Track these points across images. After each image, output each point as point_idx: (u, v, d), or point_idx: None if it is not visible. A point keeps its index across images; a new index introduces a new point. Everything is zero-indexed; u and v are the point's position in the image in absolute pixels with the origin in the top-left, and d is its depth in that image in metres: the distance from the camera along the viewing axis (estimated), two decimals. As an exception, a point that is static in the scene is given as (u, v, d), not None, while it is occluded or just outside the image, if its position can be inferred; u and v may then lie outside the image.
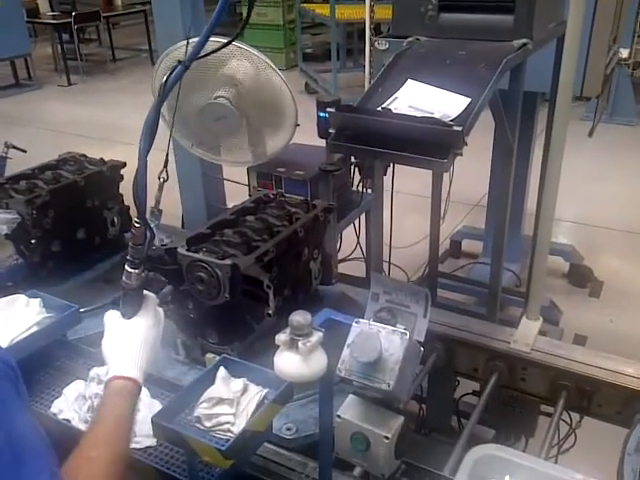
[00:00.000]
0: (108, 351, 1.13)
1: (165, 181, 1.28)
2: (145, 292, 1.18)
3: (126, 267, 1.12)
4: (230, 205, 2.38)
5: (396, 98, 1.62)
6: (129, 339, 1.13)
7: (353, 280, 2.35)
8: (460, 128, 1.38)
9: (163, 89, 1.07)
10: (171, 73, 1.07)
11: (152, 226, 1.18)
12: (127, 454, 1.05)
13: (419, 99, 1.59)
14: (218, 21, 1.06)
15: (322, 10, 6.94)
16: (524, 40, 1.76)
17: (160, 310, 1.22)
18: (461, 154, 1.41)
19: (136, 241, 1.10)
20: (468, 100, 1.55)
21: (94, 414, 1.07)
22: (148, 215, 1.21)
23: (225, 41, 1.25)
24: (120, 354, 1.12)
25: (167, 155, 1.27)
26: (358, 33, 7.84)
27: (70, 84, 8.44)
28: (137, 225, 1.09)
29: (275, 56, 7.72)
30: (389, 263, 2.87)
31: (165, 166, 1.25)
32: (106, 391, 1.09)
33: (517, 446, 1.98)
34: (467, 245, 4.03)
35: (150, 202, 1.19)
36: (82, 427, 1.36)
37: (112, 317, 1.17)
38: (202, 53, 1.11)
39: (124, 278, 1.13)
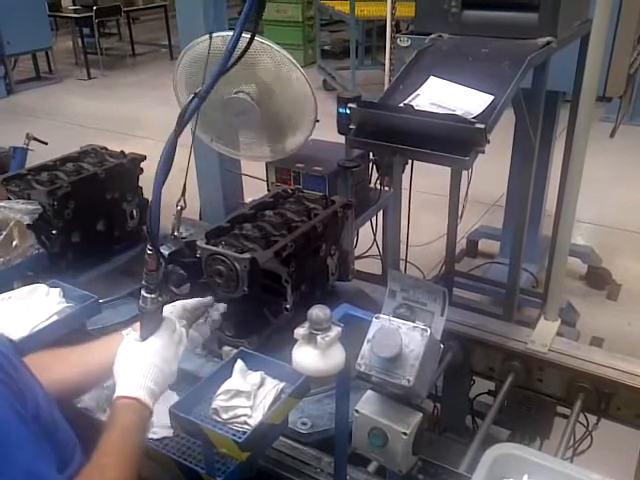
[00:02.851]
0: (117, 371, 1.14)
1: (183, 209, 1.34)
2: (164, 314, 1.20)
3: (142, 292, 1.14)
4: (247, 200, 2.39)
5: (418, 95, 1.61)
6: (138, 360, 1.14)
7: (369, 277, 2.36)
8: (483, 125, 1.37)
9: (180, 120, 1.08)
10: (188, 105, 1.08)
11: (170, 252, 1.26)
12: (138, 463, 1.07)
13: (441, 96, 1.58)
14: (235, 47, 1.07)
15: (342, 7, 6.92)
16: (548, 38, 1.75)
17: (182, 330, 1.23)
18: (483, 152, 1.40)
19: (150, 267, 1.12)
20: (491, 98, 1.54)
21: (103, 429, 1.09)
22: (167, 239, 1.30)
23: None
24: (127, 374, 1.12)
25: (185, 185, 1.31)
26: (377, 30, 7.82)
27: (90, 78, 8.50)
28: (149, 252, 1.11)
29: (293, 53, 7.64)
30: (405, 261, 2.86)
31: (183, 194, 1.30)
32: (111, 408, 1.11)
33: (532, 447, 1.96)
34: (484, 245, 4.01)
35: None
36: (101, 416, 1.37)
37: (128, 339, 1.18)
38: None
39: (140, 302, 1.15)
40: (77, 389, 1.30)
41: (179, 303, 1.34)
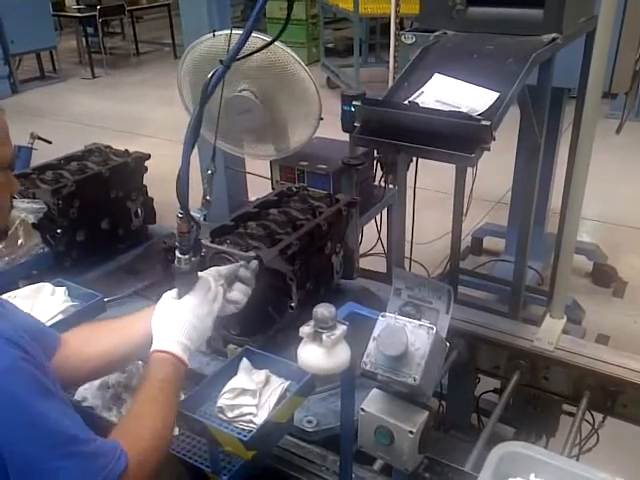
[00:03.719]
0: (154, 327, 1.19)
1: (213, 173, 1.40)
2: (200, 274, 1.25)
3: (176, 253, 1.20)
4: (252, 198, 2.39)
5: (423, 92, 1.61)
6: (173, 316, 1.18)
7: (374, 275, 2.35)
8: (488, 122, 1.37)
9: (206, 88, 1.13)
10: (213, 74, 1.14)
11: (200, 216, 1.31)
12: (174, 414, 1.11)
13: (446, 93, 1.58)
14: (257, 21, 1.15)
15: (345, 5, 6.90)
16: (553, 35, 1.73)
17: (217, 289, 1.26)
18: (489, 149, 1.39)
19: (181, 230, 1.17)
20: (496, 94, 1.53)
21: (139, 382, 1.15)
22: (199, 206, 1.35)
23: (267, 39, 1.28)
24: (162, 330, 1.17)
25: (214, 148, 1.37)
26: (381, 28, 7.80)
27: (94, 77, 8.51)
28: (180, 216, 1.16)
29: (297, 51, 7.61)
30: (410, 259, 2.86)
31: (213, 159, 1.36)
32: (147, 362, 1.15)
33: (538, 445, 1.96)
34: (489, 242, 4.00)
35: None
36: (106, 415, 1.37)
37: (165, 297, 1.23)
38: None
39: (175, 262, 1.21)
40: (124, 359, 1.32)
41: (213, 268, 1.36)
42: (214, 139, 1.40)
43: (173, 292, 1.23)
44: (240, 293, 1.36)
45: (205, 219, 1.40)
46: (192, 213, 1.19)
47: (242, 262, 1.43)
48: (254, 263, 1.43)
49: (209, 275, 1.28)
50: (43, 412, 0.93)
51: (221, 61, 1.13)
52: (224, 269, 1.36)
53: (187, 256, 1.20)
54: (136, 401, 1.10)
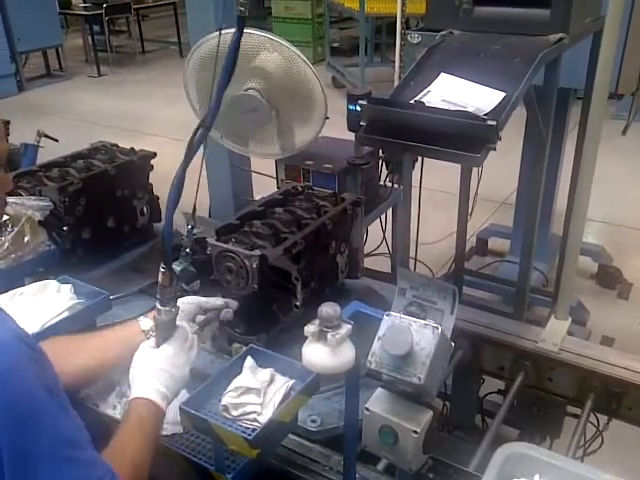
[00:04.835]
0: (132, 376, 1.22)
1: (193, 228, 1.49)
2: (179, 323, 1.29)
3: (157, 305, 1.24)
4: (257, 197, 2.39)
5: (429, 91, 1.60)
6: (150, 365, 1.22)
7: (378, 275, 2.35)
8: (494, 122, 1.37)
9: (188, 152, 1.15)
10: (194, 135, 1.15)
11: (182, 268, 1.43)
12: (154, 450, 1.14)
13: (452, 93, 1.57)
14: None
15: (351, 4, 6.90)
16: (560, 35, 1.73)
17: (193, 337, 1.31)
18: (494, 149, 1.39)
19: (163, 284, 1.21)
20: (502, 94, 1.53)
21: (120, 422, 1.18)
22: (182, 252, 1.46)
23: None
24: (141, 378, 1.21)
25: (195, 205, 1.42)
26: (386, 28, 7.79)
27: (100, 75, 8.53)
28: (163, 270, 1.20)
29: (303, 50, 7.62)
30: (415, 259, 2.85)
31: (193, 214, 1.44)
32: (127, 408, 1.18)
33: (542, 447, 1.95)
34: (494, 243, 3.99)
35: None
36: (110, 412, 1.37)
37: (143, 346, 1.27)
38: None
39: (155, 313, 1.26)
40: (94, 376, 1.35)
41: (196, 300, 1.43)
42: (195, 197, 1.42)
43: (151, 341, 1.27)
44: (210, 331, 1.47)
45: (184, 271, 1.49)
46: (173, 266, 1.24)
47: (223, 301, 1.49)
48: (234, 304, 1.50)
49: (184, 322, 1.32)
50: (48, 410, 0.94)
51: (203, 121, 1.15)
52: (206, 305, 1.44)
53: (167, 308, 1.24)
54: (118, 436, 1.11)
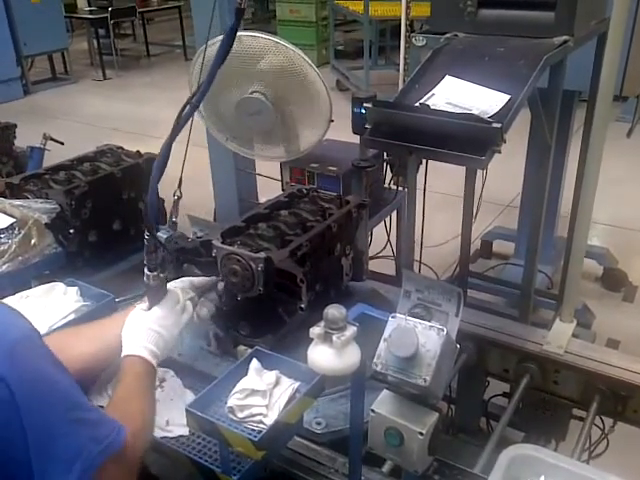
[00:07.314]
0: (124, 336, 1.29)
1: (179, 198, 1.54)
2: (169, 287, 1.36)
3: (145, 270, 1.31)
4: (262, 199, 2.39)
5: (433, 94, 1.61)
6: (140, 326, 1.29)
7: (383, 277, 2.35)
8: (499, 125, 1.37)
9: (175, 126, 1.22)
10: (182, 112, 1.22)
11: (167, 236, 1.48)
12: (153, 402, 1.22)
13: (457, 95, 1.58)
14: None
15: (356, 7, 6.91)
16: (565, 37, 1.73)
17: (185, 302, 1.38)
18: (499, 151, 1.39)
19: (148, 250, 1.28)
20: (507, 97, 1.53)
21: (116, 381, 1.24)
22: (166, 226, 1.53)
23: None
24: (131, 338, 1.27)
25: (181, 178, 1.51)
26: (391, 30, 7.81)
27: (105, 78, 8.57)
28: (147, 237, 1.27)
29: (307, 53, 7.65)
30: (419, 262, 2.85)
31: (179, 186, 1.52)
32: (120, 366, 1.24)
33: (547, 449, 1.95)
34: (498, 245, 3.99)
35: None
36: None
37: (136, 309, 1.33)
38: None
39: (144, 278, 1.31)
40: (97, 363, 1.37)
41: (187, 279, 1.48)
42: (181, 170, 1.50)
43: (143, 305, 1.33)
44: (207, 311, 1.50)
45: (170, 239, 1.54)
46: (159, 234, 1.32)
47: (214, 277, 1.54)
48: (221, 285, 1.54)
49: (178, 289, 1.39)
50: (57, 378, 0.98)
51: (191, 98, 1.21)
52: (197, 280, 1.49)
53: (155, 273, 1.30)
54: (118, 390, 1.18)
